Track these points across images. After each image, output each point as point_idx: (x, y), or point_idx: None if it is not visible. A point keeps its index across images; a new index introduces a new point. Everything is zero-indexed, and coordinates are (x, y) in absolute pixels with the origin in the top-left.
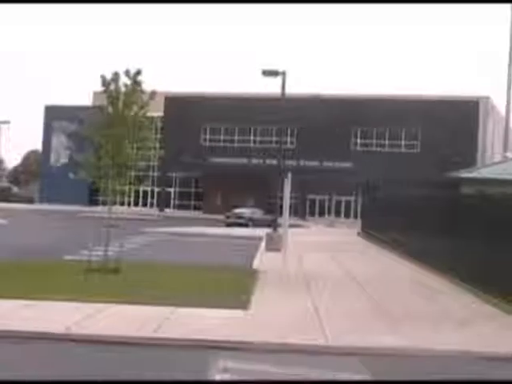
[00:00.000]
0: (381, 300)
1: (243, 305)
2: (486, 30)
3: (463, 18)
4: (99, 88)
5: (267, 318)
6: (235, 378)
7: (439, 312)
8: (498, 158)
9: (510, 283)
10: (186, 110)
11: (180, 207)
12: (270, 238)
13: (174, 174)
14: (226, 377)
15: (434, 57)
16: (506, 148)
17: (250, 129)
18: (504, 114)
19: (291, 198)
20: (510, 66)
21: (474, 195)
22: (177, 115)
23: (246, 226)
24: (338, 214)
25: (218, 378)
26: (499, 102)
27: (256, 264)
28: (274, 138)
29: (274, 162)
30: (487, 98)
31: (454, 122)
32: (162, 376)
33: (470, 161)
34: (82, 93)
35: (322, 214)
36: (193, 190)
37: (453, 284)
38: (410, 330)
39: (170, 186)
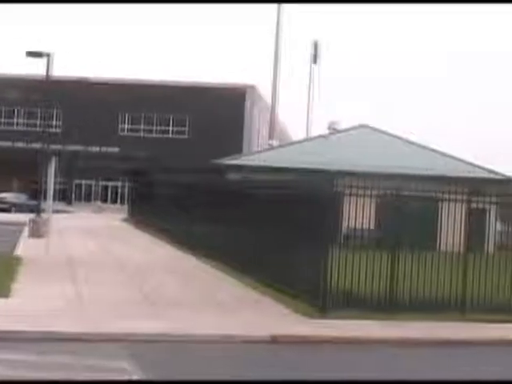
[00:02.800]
0: (145, 287)
1: (4, 293)
2: (253, 27)
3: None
4: None
5: (30, 306)
6: None
7: (203, 298)
8: (264, 145)
9: (273, 269)
10: None
11: None
12: (33, 223)
13: None
14: None
15: (207, 46)
16: (271, 136)
17: (14, 111)
18: (270, 103)
19: (57, 182)
20: (275, 58)
21: (237, 182)
22: None
23: (8, 211)
24: (105, 199)
25: None
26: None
27: (18, 251)
28: (40, 121)
29: (40, 145)
30: (253, 87)
31: (222, 109)
32: None
33: (237, 148)
34: None
35: (88, 199)
36: None
37: (218, 270)
38: (173, 316)
39: None
